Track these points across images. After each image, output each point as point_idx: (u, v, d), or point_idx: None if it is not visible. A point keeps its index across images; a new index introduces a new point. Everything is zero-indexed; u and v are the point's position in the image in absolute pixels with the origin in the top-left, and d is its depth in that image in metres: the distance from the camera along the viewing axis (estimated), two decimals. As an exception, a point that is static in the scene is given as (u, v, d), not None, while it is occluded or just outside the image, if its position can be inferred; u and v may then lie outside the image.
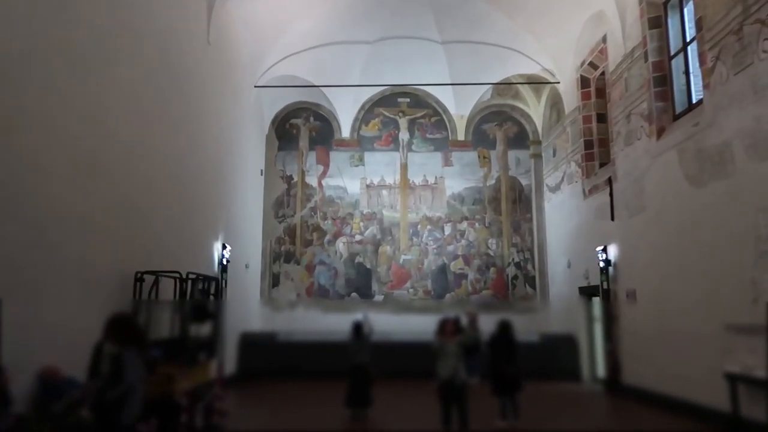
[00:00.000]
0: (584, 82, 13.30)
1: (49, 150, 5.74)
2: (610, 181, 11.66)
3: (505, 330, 8.28)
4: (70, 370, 5.42)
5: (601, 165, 12.64)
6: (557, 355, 13.29)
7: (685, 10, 9.67)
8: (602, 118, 12.77)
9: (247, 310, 14.43)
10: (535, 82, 15.56)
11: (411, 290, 15.96)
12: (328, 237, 16.19)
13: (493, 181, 16.59)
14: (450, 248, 16.19)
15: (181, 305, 7.18)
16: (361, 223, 16.28)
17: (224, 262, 11.45)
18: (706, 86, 8.44)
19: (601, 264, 11.69)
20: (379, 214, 16.37)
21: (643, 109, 10.33)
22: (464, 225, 16.32)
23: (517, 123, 16.85)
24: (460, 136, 16.77)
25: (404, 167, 16.65)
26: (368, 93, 16.62)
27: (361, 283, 15.95)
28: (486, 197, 16.48)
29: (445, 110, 16.85)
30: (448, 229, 16.30)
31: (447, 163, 16.70)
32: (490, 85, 16.18)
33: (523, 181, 16.58)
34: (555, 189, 15.27)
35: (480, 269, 16.04)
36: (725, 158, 7.93)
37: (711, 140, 8.27)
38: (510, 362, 8.06)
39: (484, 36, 14.77)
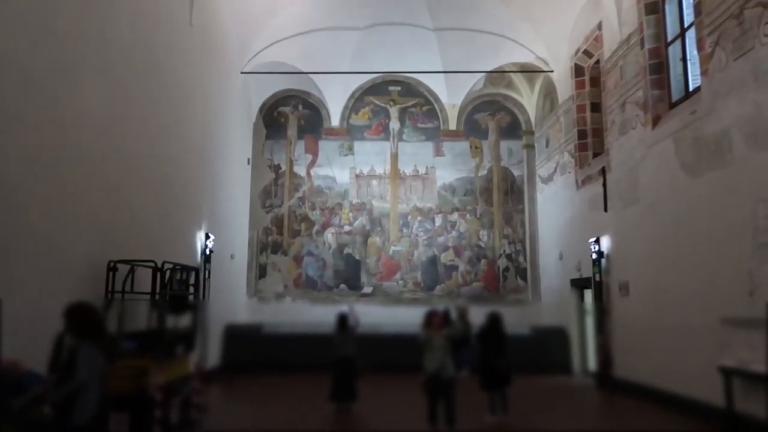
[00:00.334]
0: (578, 70, 13.03)
1: (13, 130, 5.39)
2: (603, 172, 11.42)
3: (494, 322, 8.03)
4: (33, 363, 5.09)
5: (595, 155, 12.40)
6: (548, 348, 13.13)
7: (684, -5, 9.41)
8: (596, 107, 12.53)
9: (233, 301, 14.13)
10: (528, 71, 15.27)
11: (400, 282, 15.70)
12: (316, 227, 15.87)
13: (485, 172, 16.31)
14: (440, 239, 15.92)
15: (155, 296, 6.85)
16: (350, 214, 15.98)
17: (207, 252, 11.11)
18: (704, 73, 8.18)
19: (594, 256, 11.47)
20: (369, 204, 16.07)
21: (639, 97, 10.07)
22: (455, 216, 16.05)
23: (509, 113, 16.56)
24: (452, 126, 16.47)
25: (395, 157, 16.34)
26: (358, 81, 16.27)
27: (349, 275, 15.66)
28: (477, 188, 16.21)
29: (437, 99, 16.53)
30: (438, 220, 16.03)
31: (438, 153, 16.40)
32: (482, 75, 15.88)
33: (516, 172, 16.32)
34: (547, 180, 15.02)
35: (471, 261, 15.80)
36: (723, 147, 7.68)
37: (708, 128, 8.02)
38: (499, 356, 7.81)
39: (477, 23, 14.46)
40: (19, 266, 5.45)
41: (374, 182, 16.19)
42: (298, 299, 15.43)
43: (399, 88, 16.57)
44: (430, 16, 14.56)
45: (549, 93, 14.90)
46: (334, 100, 16.29)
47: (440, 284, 15.70)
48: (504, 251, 15.89)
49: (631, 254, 10.34)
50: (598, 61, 12.15)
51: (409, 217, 16.04)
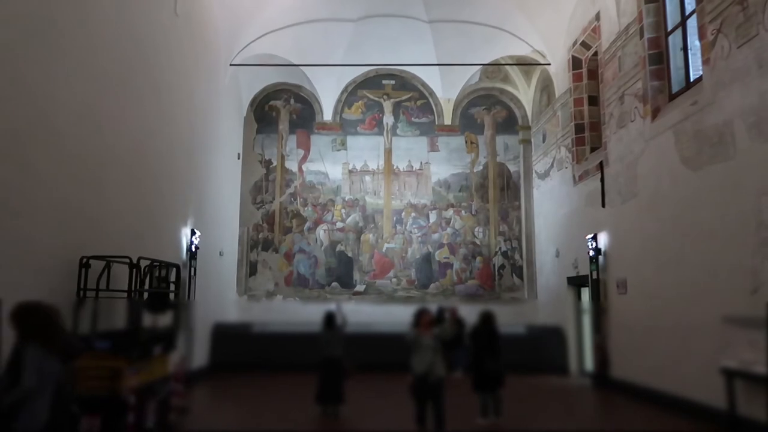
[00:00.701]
0: (576, 63, 12.71)
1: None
2: (601, 166, 11.12)
3: (486, 322, 7.70)
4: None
5: (592, 150, 12.10)
6: (544, 347, 12.86)
7: (684, -18, 9.09)
8: (594, 100, 12.21)
9: (222, 299, 13.79)
10: (525, 64, 14.94)
11: (394, 280, 15.38)
12: (308, 224, 15.54)
13: (481, 168, 15.99)
14: (435, 237, 15.61)
15: (130, 294, 6.52)
16: (343, 210, 15.65)
17: (193, 249, 10.77)
18: (705, 62, 7.87)
19: (591, 253, 11.19)
20: (362, 200, 15.74)
21: (638, 89, 9.76)
22: (450, 213, 15.73)
23: (506, 107, 16.24)
24: (447, 121, 16.13)
25: (388, 152, 16.01)
26: (351, 75, 15.93)
27: (342, 273, 15.34)
28: (473, 184, 15.89)
29: (432, 93, 16.20)
30: (433, 217, 15.71)
31: (433, 148, 16.07)
32: (478, 68, 15.55)
33: (512, 168, 16.00)
34: (544, 175, 14.71)
35: (466, 258, 15.48)
36: (726, 139, 7.37)
37: (710, 120, 7.71)
38: (492, 356, 7.50)
39: (472, 15, 14.15)
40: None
41: (367, 178, 15.86)
42: (289, 297, 15.11)
43: (393, 82, 16.24)
44: (424, 7, 14.23)
45: (546, 87, 14.59)
46: (327, 93, 15.95)
47: (435, 282, 15.39)
48: (500, 248, 15.58)
49: (629, 251, 10.04)
50: (596, 53, 11.83)
51: (403, 213, 15.72)
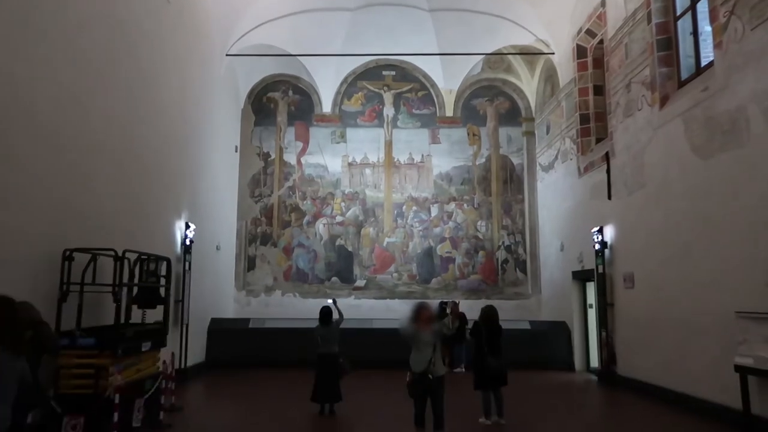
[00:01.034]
0: (581, 51, 12.36)
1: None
2: (607, 157, 10.79)
3: (489, 317, 7.40)
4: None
5: (598, 140, 11.77)
6: (549, 343, 12.56)
7: (694, -36, 8.73)
8: (599, 90, 11.90)
9: (220, 294, 13.54)
10: (528, 53, 14.60)
11: (395, 275, 15.09)
12: (307, 218, 15.26)
13: (483, 160, 15.67)
14: (437, 230, 15.30)
15: (114, 288, 6.24)
16: (343, 204, 15.35)
17: (187, 243, 10.50)
18: (717, 46, 7.53)
19: (597, 246, 10.87)
20: (362, 194, 15.44)
21: (645, 76, 9.42)
22: (452, 206, 15.42)
23: (509, 98, 15.91)
24: (449, 112, 15.81)
25: (389, 144, 15.70)
26: (351, 65, 15.62)
27: (342, 267, 15.06)
28: (475, 177, 15.57)
29: (433, 84, 15.87)
30: (434, 211, 15.40)
31: (434, 140, 15.75)
32: (480, 59, 15.21)
33: (515, 160, 15.67)
34: (548, 168, 14.38)
35: (468, 253, 15.18)
36: (739, 125, 7.04)
37: (722, 106, 7.38)
38: (494, 353, 7.20)
39: (474, 4, 13.82)
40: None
41: (368, 171, 15.56)
42: (288, 292, 14.85)
43: (393, 73, 15.92)
44: (425, -5, 13.91)
45: (550, 77, 14.25)
46: (326, 85, 15.64)
47: (436, 277, 15.10)
48: (503, 242, 15.27)
49: (636, 244, 9.71)
50: (601, 41, 11.49)
51: (404, 207, 15.42)
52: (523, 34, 13.87)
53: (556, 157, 13.75)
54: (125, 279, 6.47)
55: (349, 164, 15.56)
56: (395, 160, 15.63)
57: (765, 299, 6.45)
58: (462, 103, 15.88)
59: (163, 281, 7.67)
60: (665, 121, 8.77)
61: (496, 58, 15.36)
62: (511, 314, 13.60)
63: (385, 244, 15.22)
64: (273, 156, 15.47)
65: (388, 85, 15.87)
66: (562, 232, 13.34)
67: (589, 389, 10.49)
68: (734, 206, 7.10)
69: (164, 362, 7.29)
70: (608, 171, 10.74)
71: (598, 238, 10.87)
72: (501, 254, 15.24)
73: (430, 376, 5.92)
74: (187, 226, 10.57)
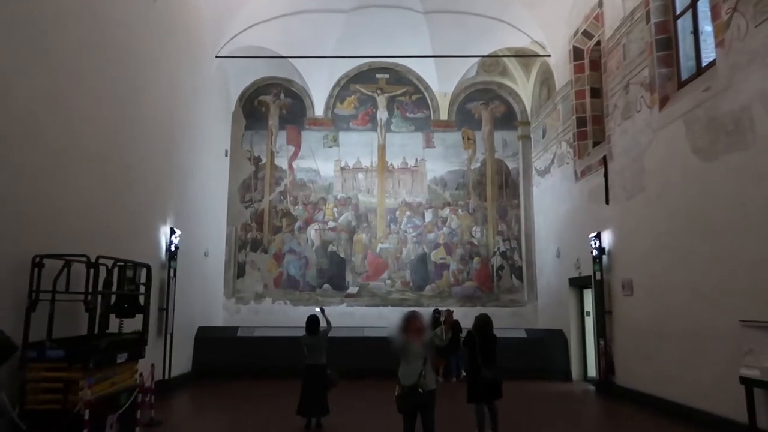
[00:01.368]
0: (577, 53, 12.12)
1: None
2: (604, 161, 10.53)
3: (482, 326, 7.06)
4: None
5: (595, 144, 11.50)
6: (545, 352, 12.25)
7: (695, -40, 8.49)
8: (596, 92, 11.65)
9: (208, 302, 13.18)
10: (524, 55, 14.35)
11: (388, 281, 14.76)
12: (298, 223, 14.92)
13: (478, 165, 15.39)
14: (431, 236, 14.99)
15: (87, 296, 5.90)
16: (335, 209, 15.03)
17: (172, 249, 10.15)
18: (719, 44, 7.27)
19: (594, 252, 10.59)
20: (355, 199, 15.12)
21: (644, 77, 9.16)
22: (446, 211, 15.12)
23: (504, 102, 15.65)
24: (443, 116, 15.54)
25: (382, 149, 15.40)
26: (344, 68, 15.34)
27: (334, 274, 14.72)
28: (470, 182, 15.28)
29: (427, 87, 15.60)
30: (428, 216, 15.09)
31: (428, 144, 15.46)
32: (475, 61, 14.97)
33: (510, 165, 15.39)
34: (544, 172, 14.10)
35: (463, 259, 14.87)
36: (743, 126, 6.77)
37: (725, 106, 7.11)
38: (489, 364, 6.87)
39: (470, 5, 13.58)
40: None
41: (360, 175, 15.26)
42: (279, 300, 14.49)
43: (387, 76, 15.64)
44: (419, -3, 13.67)
45: (546, 80, 14.00)
46: (318, 88, 15.35)
47: (430, 284, 14.78)
48: (498, 249, 14.97)
49: (635, 250, 9.42)
50: (598, 43, 11.24)
51: (398, 212, 15.10)
52: (518, 37, 13.63)
53: (553, 161, 13.48)
54: (100, 287, 6.14)
55: (342, 169, 15.25)
56: (389, 164, 15.34)
57: (772, 308, 6.16)
58: (457, 106, 15.62)
59: (142, 289, 7.33)
60: (665, 123, 8.50)
61: (492, 61, 15.12)
62: (507, 322, 13.30)
63: (378, 250, 14.90)
64: (264, 160, 15.15)
65: (381, 89, 15.60)
66: (559, 237, 13.05)
67: (586, 400, 10.16)
68: (739, 210, 6.82)
69: (141, 374, 6.92)
70: (606, 175, 10.47)
71: (595, 243, 10.59)
72: (496, 260, 14.94)
73: (421, 390, 5.57)
74: (173, 232, 10.23)
